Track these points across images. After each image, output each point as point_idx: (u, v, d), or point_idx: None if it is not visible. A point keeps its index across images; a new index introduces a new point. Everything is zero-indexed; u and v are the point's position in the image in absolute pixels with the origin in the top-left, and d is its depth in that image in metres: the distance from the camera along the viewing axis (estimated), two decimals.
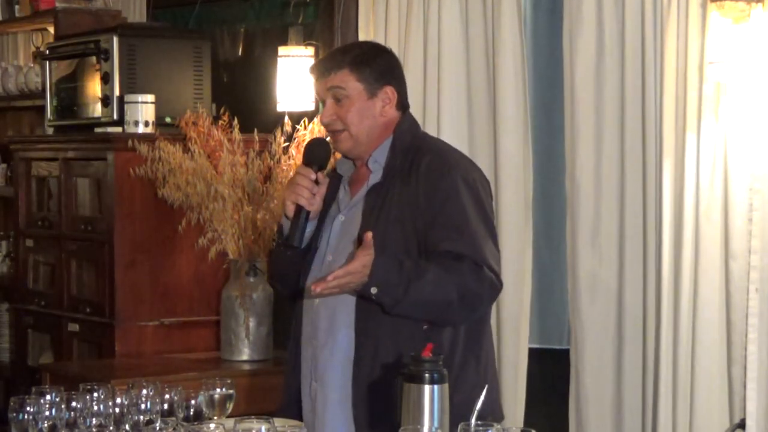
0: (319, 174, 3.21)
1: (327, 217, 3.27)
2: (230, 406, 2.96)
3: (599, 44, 4.03)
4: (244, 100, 5.36)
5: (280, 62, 4.98)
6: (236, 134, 4.74)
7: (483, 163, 4.05)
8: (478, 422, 2.44)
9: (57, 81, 5.39)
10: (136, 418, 2.79)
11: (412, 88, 3.94)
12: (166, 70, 5.12)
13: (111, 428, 2.78)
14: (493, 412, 3.00)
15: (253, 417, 2.52)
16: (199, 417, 2.91)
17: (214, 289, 4.93)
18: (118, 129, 4.96)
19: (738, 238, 3.68)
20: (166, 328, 4.92)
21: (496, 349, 3.80)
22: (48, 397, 2.73)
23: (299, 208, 3.19)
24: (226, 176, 4.65)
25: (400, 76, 3.29)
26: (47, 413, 2.71)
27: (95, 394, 2.80)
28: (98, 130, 5.08)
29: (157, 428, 2.61)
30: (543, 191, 4.47)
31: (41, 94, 5.63)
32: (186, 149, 4.70)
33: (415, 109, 3.80)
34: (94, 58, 5.09)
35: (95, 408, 2.79)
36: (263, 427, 2.49)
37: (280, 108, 4.97)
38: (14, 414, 2.70)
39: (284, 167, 4.72)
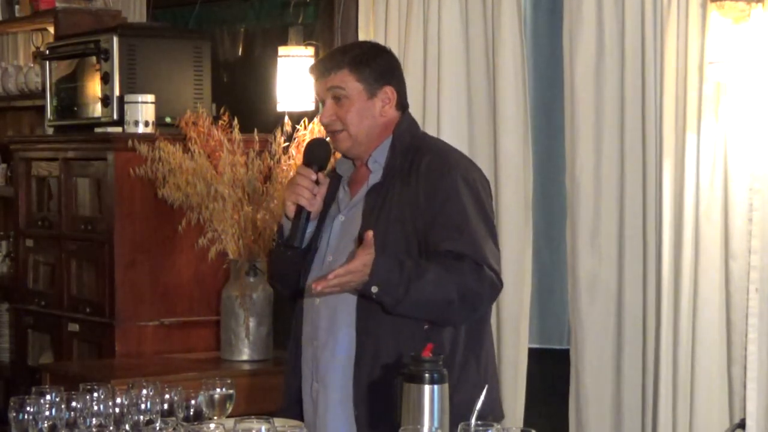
0: (320, 174, 3.21)
1: (327, 217, 3.26)
2: (230, 406, 2.96)
3: (599, 44, 4.02)
4: (244, 100, 5.36)
5: (280, 62, 4.97)
6: (236, 134, 4.74)
7: (483, 163, 4.05)
8: (478, 422, 2.44)
9: (57, 81, 5.38)
10: (136, 418, 2.79)
11: (412, 88, 3.94)
12: (166, 70, 5.11)
13: (111, 428, 2.78)
14: (493, 412, 3.01)
15: (253, 417, 2.52)
16: (199, 417, 2.90)
17: (214, 289, 4.92)
18: (118, 129, 4.95)
19: (738, 238, 3.67)
20: (166, 328, 4.91)
21: (496, 349, 3.80)
22: (48, 397, 2.73)
23: (300, 209, 3.19)
24: (226, 176, 4.64)
25: (399, 76, 3.29)
26: (47, 413, 2.71)
27: (95, 394, 2.80)
28: (98, 130, 5.07)
29: (157, 428, 2.61)
30: (543, 191, 4.47)
31: (41, 94, 5.63)
32: (186, 149, 4.70)
33: (415, 109, 3.80)
34: (94, 58, 5.09)
35: (95, 408, 2.79)
36: (263, 427, 2.49)
37: (280, 108, 4.97)
38: (14, 414, 2.70)
39: (284, 167, 4.71)
